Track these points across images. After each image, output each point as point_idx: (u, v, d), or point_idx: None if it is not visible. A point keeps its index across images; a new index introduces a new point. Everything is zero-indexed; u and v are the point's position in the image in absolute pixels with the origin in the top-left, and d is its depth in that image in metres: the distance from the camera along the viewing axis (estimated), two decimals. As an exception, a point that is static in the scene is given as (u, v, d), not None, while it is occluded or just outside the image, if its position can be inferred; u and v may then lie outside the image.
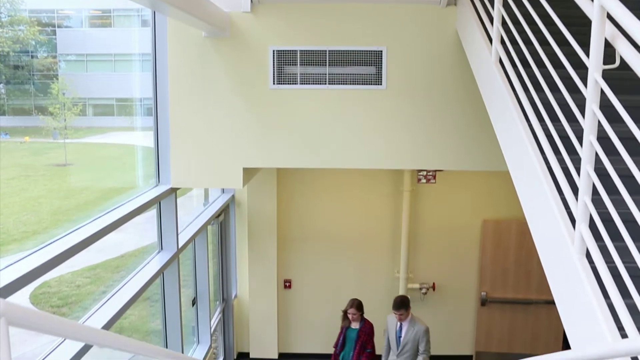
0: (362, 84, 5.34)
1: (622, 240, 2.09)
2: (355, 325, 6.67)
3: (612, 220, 2.14)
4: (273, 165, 5.93)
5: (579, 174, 2.39)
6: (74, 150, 4.81)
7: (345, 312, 6.69)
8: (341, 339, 6.77)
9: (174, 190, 5.35)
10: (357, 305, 6.63)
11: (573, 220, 2.48)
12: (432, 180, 8.39)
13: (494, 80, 3.68)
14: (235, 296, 8.76)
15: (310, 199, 8.51)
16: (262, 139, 5.44)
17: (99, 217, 4.06)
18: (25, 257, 3.02)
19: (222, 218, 7.82)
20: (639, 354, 1.80)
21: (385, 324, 6.77)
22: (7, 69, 3.94)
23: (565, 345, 7.98)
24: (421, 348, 6.31)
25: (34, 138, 4.31)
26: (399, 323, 6.38)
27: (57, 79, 4.42)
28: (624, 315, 2.03)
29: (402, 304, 6.27)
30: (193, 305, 6.75)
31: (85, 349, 3.28)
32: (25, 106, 4.06)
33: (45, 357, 3.10)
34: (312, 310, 8.83)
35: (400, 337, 6.38)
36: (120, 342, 2.22)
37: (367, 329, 6.66)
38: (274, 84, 5.34)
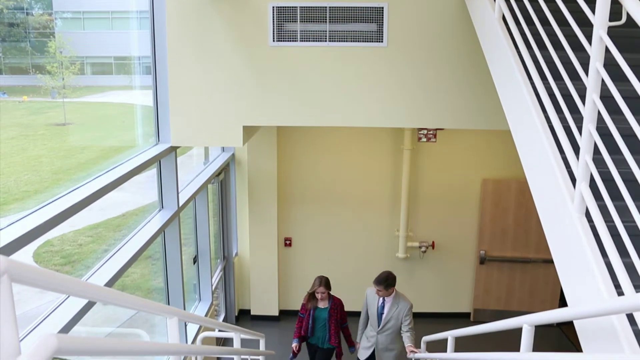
0: (362, 41, 5.27)
1: (622, 199, 2.09)
2: (323, 304, 6.10)
3: (612, 180, 2.14)
4: (273, 123, 5.90)
5: (580, 133, 2.38)
6: (73, 110, 4.77)
7: (312, 293, 6.06)
8: (310, 322, 6.12)
9: (173, 149, 5.34)
10: (326, 282, 6.05)
11: (573, 180, 2.49)
12: (433, 139, 8.37)
13: (497, 38, 3.63)
14: (236, 254, 8.84)
15: (311, 157, 8.51)
16: (262, 97, 5.40)
17: (100, 175, 4.07)
18: (28, 215, 3.03)
19: (223, 177, 7.83)
20: (634, 310, 1.83)
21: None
22: (2, 26, 3.88)
23: (562, 304, 8.10)
24: (405, 325, 5.77)
25: (32, 97, 4.27)
26: (381, 299, 5.87)
27: (54, 37, 4.35)
28: (621, 274, 2.05)
29: (385, 281, 5.70)
30: (194, 263, 6.82)
31: (88, 306, 3.32)
32: (22, 65, 4.01)
33: (49, 315, 3.14)
34: (312, 267, 8.90)
35: (382, 313, 5.87)
36: (122, 299, 2.24)
37: (339, 305, 6.15)
38: (273, 41, 5.28)
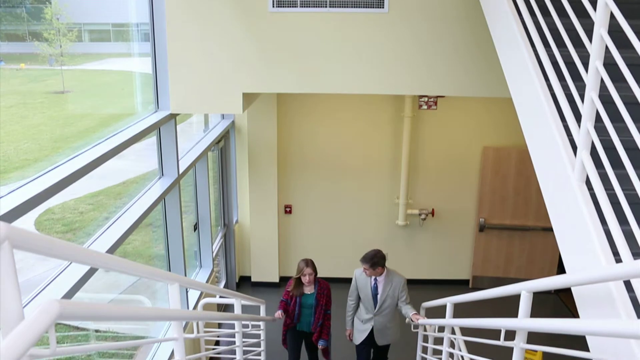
0: (363, 7, 5.20)
1: (623, 167, 2.09)
2: (309, 289, 5.64)
3: (614, 148, 2.14)
4: (272, 90, 5.86)
5: (582, 100, 2.36)
6: (71, 77, 4.73)
7: (298, 279, 5.57)
8: (297, 310, 5.67)
9: (173, 116, 5.32)
10: (312, 263, 5.57)
11: (574, 148, 2.48)
12: (434, 107, 8.33)
13: (499, 4, 3.58)
14: (237, 221, 8.88)
15: (311, 124, 8.48)
16: (261, 63, 5.36)
17: (99, 143, 4.06)
18: (28, 182, 3.04)
19: (223, 144, 7.81)
20: (632, 277, 1.84)
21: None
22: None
23: (560, 272, 8.16)
24: (402, 300, 5.42)
25: (30, 65, 4.23)
26: (373, 279, 5.47)
27: (50, 3, 4.29)
28: (620, 241, 2.06)
29: (371, 259, 5.32)
30: (195, 230, 6.85)
31: (90, 273, 3.35)
32: (19, 32, 3.96)
33: (51, 281, 3.16)
34: (312, 235, 8.97)
35: (377, 294, 5.48)
36: (123, 265, 2.26)
37: (326, 290, 5.68)
38: (273, 6, 5.21)
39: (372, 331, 5.60)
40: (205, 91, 5.41)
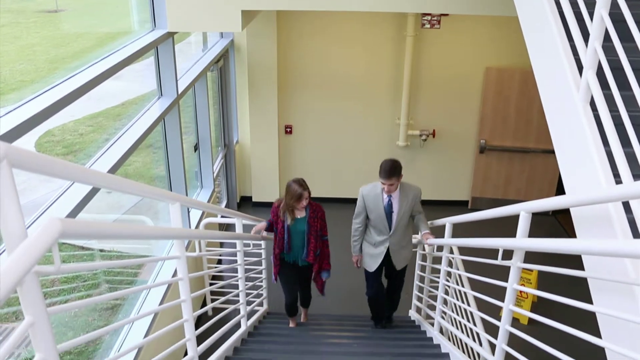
0: None
1: (630, 89, 2.05)
2: (301, 214, 4.94)
3: (621, 68, 2.09)
4: (271, 7, 5.71)
5: (592, 19, 2.29)
6: (64, -6, 4.59)
7: (291, 207, 4.88)
8: (286, 237, 4.97)
9: (171, 35, 5.20)
10: (306, 185, 4.85)
11: (580, 68, 2.43)
12: (437, 26, 8.13)
13: None
14: (237, 142, 8.87)
15: (311, 43, 8.31)
16: (260, -20, 5.19)
17: (96, 62, 3.99)
18: (26, 102, 3.00)
19: (222, 64, 7.69)
20: (631, 198, 1.85)
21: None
22: None
23: (559, 194, 8.23)
24: (416, 212, 4.93)
25: (20, -20, 4.09)
26: (386, 197, 4.76)
27: None
28: (621, 163, 2.05)
29: (394, 170, 4.56)
30: (195, 151, 6.86)
31: (92, 193, 3.37)
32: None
33: (54, 202, 3.19)
34: (312, 155, 8.99)
35: (392, 213, 4.80)
36: (124, 184, 2.26)
37: (319, 213, 4.97)
38: None
39: (387, 254, 4.98)
40: (203, 9, 5.27)
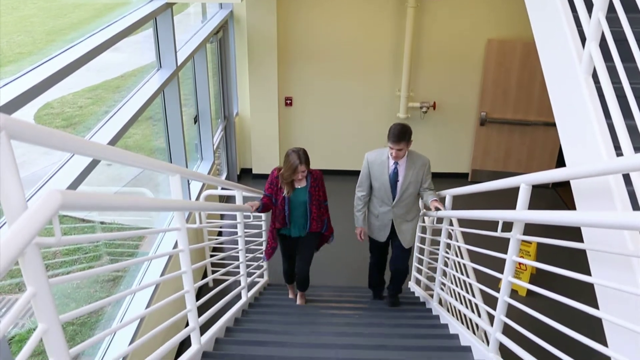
0: None
1: (633, 60, 2.03)
2: (301, 183, 4.69)
3: (625, 40, 2.07)
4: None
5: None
6: (59, -37, 4.53)
7: (290, 180, 4.60)
8: (286, 210, 4.73)
9: (169, 5, 5.14)
10: (306, 158, 4.54)
11: (583, 40, 2.41)
12: (439, -4, 8.05)
13: None
14: (237, 114, 8.84)
15: (311, 15, 8.23)
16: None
17: (95, 34, 3.94)
18: (24, 74, 2.98)
19: (221, 35, 7.62)
20: (631, 171, 1.85)
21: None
22: None
23: (559, 167, 8.22)
24: (425, 186, 4.65)
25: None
26: (392, 163, 4.56)
27: None
28: (623, 135, 2.04)
29: (404, 134, 4.34)
30: (195, 123, 6.84)
31: (92, 165, 3.37)
32: None
33: (54, 174, 3.18)
34: (312, 127, 8.97)
35: (397, 182, 4.57)
36: (123, 155, 2.26)
37: (319, 180, 4.75)
38: None
39: (392, 229, 4.79)
40: (202, -22, 5.20)
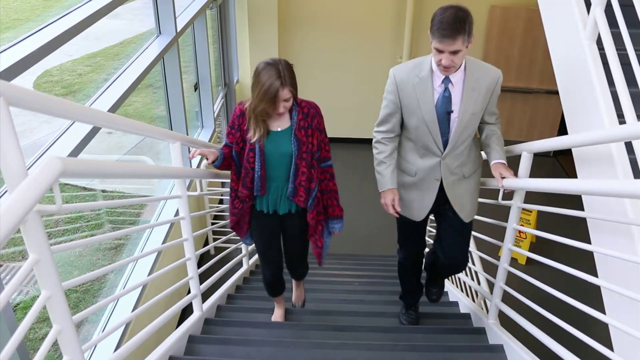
0: None
1: (639, 26, 2.00)
2: (281, 124, 2.73)
3: (631, 5, 2.03)
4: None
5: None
6: None
7: (262, 115, 2.63)
8: (257, 166, 2.73)
9: (168, -29, 5.07)
10: (290, 73, 2.57)
11: (588, 5, 2.37)
12: (442, -39, 7.91)
13: None
14: (237, 81, 8.78)
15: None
16: None
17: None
18: (21, 40, 2.94)
19: (221, 1, 7.52)
20: (633, 139, 1.84)
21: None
22: None
23: (561, 135, 8.18)
24: (491, 114, 2.86)
25: None
26: (440, 83, 2.63)
27: None
28: (626, 103, 2.03)
29: (462, 22, 2.55)
30: (195, 90, 6.79)
31: (93, 132, 3.35)
32: None
33: (54, 142, 3.17)
34: (313, 93, 8.79)
35: (450, 112, 2.63)
36: (122, 122, 2.25)
37: (313, 118, 2.82)
38: None
39: (442, 192, 2.79)
40: (201, -58, 5.11)
